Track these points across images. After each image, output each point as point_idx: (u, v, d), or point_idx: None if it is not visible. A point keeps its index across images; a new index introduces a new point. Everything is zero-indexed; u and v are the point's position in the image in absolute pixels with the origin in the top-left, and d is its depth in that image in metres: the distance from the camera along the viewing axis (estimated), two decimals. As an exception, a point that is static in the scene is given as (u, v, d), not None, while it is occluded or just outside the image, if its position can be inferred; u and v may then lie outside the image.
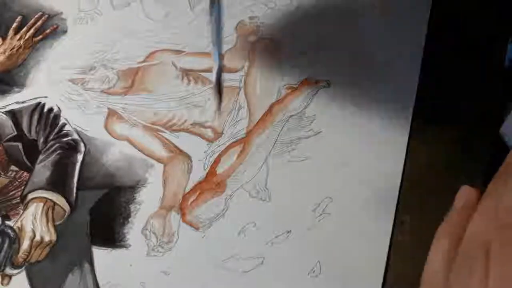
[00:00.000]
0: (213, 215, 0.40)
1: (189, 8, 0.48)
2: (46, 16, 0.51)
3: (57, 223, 0.42)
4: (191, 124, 0.44)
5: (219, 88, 0.36)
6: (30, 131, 0.46)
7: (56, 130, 0.45)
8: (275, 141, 0.41)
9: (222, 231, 0.39)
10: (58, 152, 0.44)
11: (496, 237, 0.27)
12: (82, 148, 0.44)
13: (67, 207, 0.42)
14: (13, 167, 0.45)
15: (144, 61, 0.47)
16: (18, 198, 0.43)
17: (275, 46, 0.44)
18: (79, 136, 0.45)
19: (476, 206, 0.32)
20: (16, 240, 0.42)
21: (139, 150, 0.43)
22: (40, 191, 0.43)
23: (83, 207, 0.42)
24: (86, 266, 0.40)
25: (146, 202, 0.41)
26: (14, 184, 0.44)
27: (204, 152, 0.42)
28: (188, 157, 0.42)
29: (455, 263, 0.30)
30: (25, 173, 0.44)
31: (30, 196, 0.43)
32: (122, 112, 0.45)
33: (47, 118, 0.46)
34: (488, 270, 0.27)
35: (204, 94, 0.45)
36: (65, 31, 0.50)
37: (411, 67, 0.41)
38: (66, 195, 0.43)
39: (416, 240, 0.37)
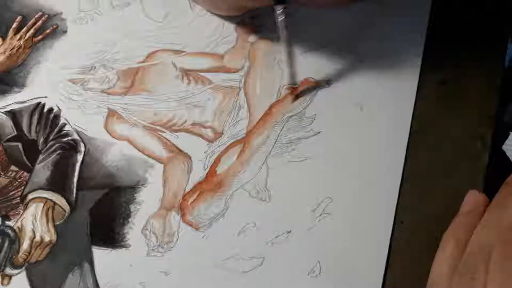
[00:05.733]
0: (213, 215, 0.40)
1: (189, 8, 0.48)
2: (46, 16, 0.51)
3: (57, 223, 0.42)
4: (191, 124, 0.44)
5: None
6: (30, 131, 0.46)
7: (56, 130, 0.45)
8: (275, 141, 0.41)
9: (222, 231, 0.39)
10: (58, 152, 0.44)
11: (497, 250, 0.28)
12: (82, 148, 0.44)
13: (67, 207, 0.42)
14: (13, 167, 0.45)
15: (144, 61, 0.47)
16: (18, 198, 0.43)
17: (275, 46, 0.44)
18: (79, 136, 0.45)
19: (482, 211, 0.32)
20: (16, 240, 0.42)
21: (139, 150, 0.43)
22: (40, 191, 0.43)
23: (83, 207, 0.42)
24: (86, 266, 0.40)
25: (146, 202, 0.41)
26: (14, 184, 0.44)
27: (204, 152, 0.42)
28: (188, 157, 0.42)
29: (459, 267, 0.30)
30: (25, 173, 0.44)
31: (30, 196, 0.43)
32: (122, 112, 0.45)
33: (47, 118, 0.46)
34: (486, 280, 0.27)
35: (204, 94, 0.45)
36: (65, 31, 0.50)
37: (411, 67, 0.41)
38: (66, 195, 0.43)
39: (416, 240, 0.37)
